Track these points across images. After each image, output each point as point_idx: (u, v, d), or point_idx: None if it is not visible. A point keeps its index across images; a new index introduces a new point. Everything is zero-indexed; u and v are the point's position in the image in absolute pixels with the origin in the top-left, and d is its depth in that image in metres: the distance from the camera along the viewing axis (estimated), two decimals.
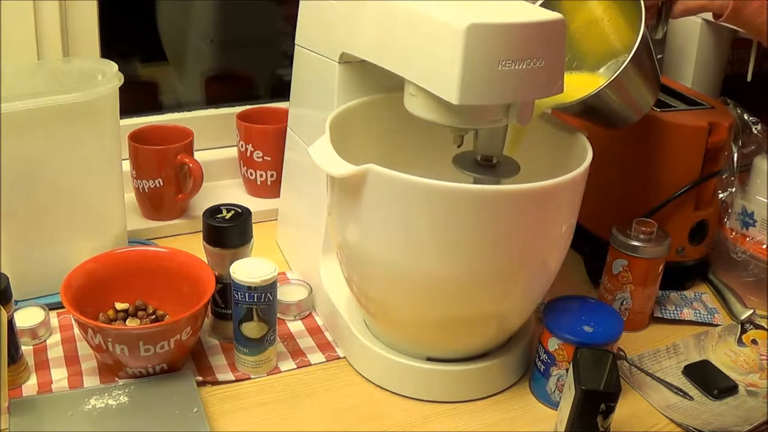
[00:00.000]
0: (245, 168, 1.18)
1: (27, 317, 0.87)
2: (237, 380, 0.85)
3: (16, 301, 0.84)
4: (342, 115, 0.84)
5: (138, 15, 1.35)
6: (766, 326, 0.98)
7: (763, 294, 1.01)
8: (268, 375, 0.86)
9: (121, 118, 0.95)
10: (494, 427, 0.81)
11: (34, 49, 1.04)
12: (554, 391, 0.83)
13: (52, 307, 0.91)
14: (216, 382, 0.84)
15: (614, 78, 0.81)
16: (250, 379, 0.85)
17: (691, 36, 1.15)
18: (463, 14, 0.67)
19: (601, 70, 0.90)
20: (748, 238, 1.02)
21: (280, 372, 0.86)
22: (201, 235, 0.87)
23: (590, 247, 1.04)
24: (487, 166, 0.81)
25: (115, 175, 0.96)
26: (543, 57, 0.69)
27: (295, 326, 0.94)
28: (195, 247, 0.90)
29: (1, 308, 0.75)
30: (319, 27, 0.91)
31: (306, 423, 0.80)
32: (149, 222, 1.11)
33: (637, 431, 0.81)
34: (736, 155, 1.01)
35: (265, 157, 1.15)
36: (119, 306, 0.87)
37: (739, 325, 0.98)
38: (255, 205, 0.99)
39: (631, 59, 0.80)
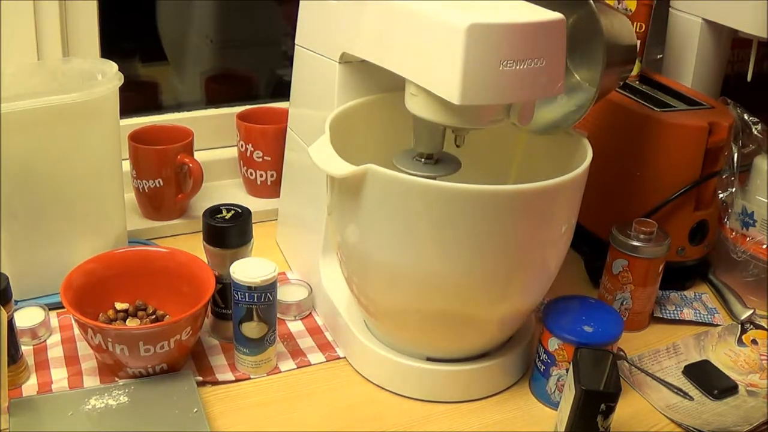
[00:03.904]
0: (245, 168, 1.18)
1: (27, 317, 0.87)
2: (237, 380, 0.85)
3: (16, 301, 0.84)
4: (342, 115, 0.84)
5: (138, 15, 1.35)
6: (766, 326, 0.98)
7: (763, 294, 1.01)
8: (268, 375, 0.86)
9: (121, 118, 0.95)
10: (494, 427, 0.81)
11: (34, 49, 1.04)
12: (554, 391, 0.83)
13: (52, 307, 0.91)
14: (216, 382, 0.84)
15: (596, 97, 0.81)
16: (250, 379, 0.85)
17: (691, 36, 1.15)
18: (464, 14, 0.67)
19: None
20: (748, 238, 1.02)
21: (280, 372, 0.86)
22: (201, 235, 0.87)
23: (590, 247, 1.04)
24: (427, 164, 0.80)
25: (115, 175, 0.96)
26: (544, 57, 0.69)
27: (295, 326, 0.94)
28: (195, 247, 0.90)
29: (1, 308, 0.75)
30: (319, 27, 0.91)
31: (306, 423, 0.80)
32: (149, 222, 1.11)
33: (637, 431, 0.81)
34: (736, 155, 1.01)
35: (265, 157, 1.15)
36: (119, 306, 0.87)
37: (739, 325, 0.98)
38: (255, 205, 0.99)
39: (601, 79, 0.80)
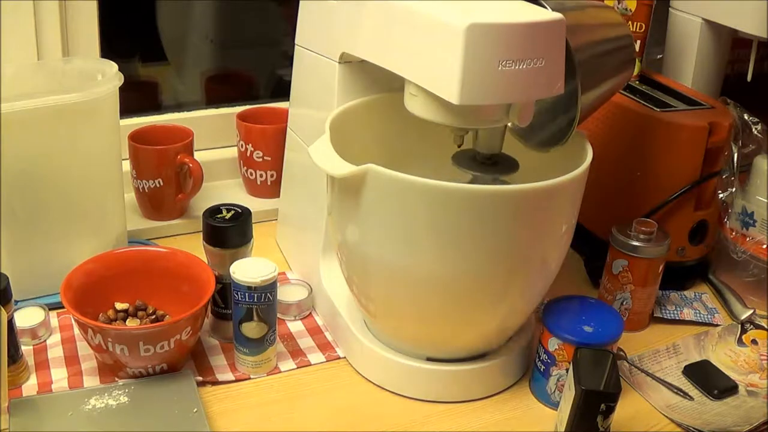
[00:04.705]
0: (245, 168, 1.18)
1: (27, 317, 0.87)
2: (237, 380, 0.85)
3: (16, 301, 0.84)
4: (342, 115, 0.84)
5: (138, 15, 1.35)
6: (766, 326, 0.98)
7: (763, 294, 1.01)
8: (268, 375, 0.86)
9: (121, 118, 0.95)
10: (494, 427, 0.81)
11: (34, 49, 1.04)
12: (554, 391, 0.83)
13: (52, 307, 0.91)
14: (216, 382, 0.84)
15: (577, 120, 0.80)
16: (250, 379, 0.85)
17: (691, 36, 1.15)
18: (464, 14, 0.67)
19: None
20: (748, 238, 1.02)
21: (280, 372, 0.86)
22: (201, 235, 0.87)
23: (590, 247, 1.04)
24: (487, 163, 0.81)
25: (115, 175, 0.96)
26: (543, 57, 0.69)
27: (295, 326, 0.94)
28: (195, 247, 0.90)
29: (1, 308, 0.75)
30: (319, 27, 0.91)
31: (306, 423, 0.80)
32: (149, 222, 1.11)
33: (637, 431, 0.81)
34: (736, 155, 1.01)
35: (265, 157, 1.15)
36: (119, 306, 0.87)
37: (739, 325, 0.98)
38: (255, 205, 0.99)
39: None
